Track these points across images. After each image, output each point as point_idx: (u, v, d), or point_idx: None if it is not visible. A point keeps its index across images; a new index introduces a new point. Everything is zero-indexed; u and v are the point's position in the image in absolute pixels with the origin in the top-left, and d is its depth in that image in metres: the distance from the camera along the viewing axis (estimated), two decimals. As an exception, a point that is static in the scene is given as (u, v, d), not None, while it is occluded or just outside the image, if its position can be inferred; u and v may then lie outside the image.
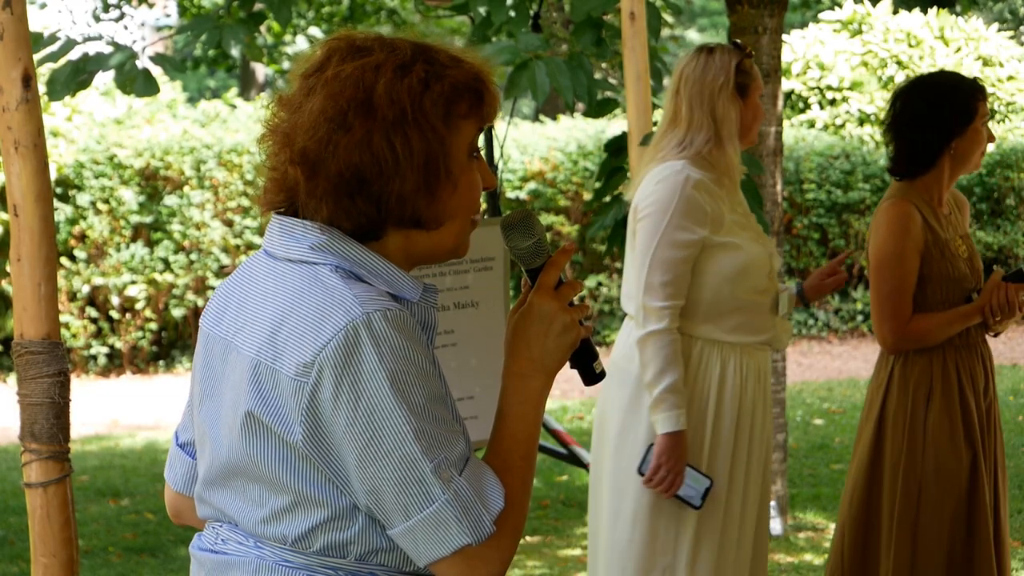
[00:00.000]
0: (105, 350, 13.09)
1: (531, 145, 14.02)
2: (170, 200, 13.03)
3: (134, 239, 13.09)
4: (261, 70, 21.14)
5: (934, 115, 4.02)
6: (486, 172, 1.93)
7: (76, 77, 5.23)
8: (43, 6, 17.45)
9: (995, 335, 4.12)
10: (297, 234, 1.86)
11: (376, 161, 1.81)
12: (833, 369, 12.49)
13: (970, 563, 3.98)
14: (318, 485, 1.82)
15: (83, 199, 12.87)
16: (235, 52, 5.64)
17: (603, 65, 16.66)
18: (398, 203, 1.83)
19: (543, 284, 1.92)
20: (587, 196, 13.41)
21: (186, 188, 13.09)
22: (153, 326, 13.08)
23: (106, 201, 12.93)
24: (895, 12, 17.19)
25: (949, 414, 4.00)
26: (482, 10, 5.28)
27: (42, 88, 6.67)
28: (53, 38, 5.20)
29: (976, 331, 4.07)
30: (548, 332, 1.90)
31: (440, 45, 1.89)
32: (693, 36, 31.76)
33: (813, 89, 16.10)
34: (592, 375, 1.99)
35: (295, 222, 1.87)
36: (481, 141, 7.62)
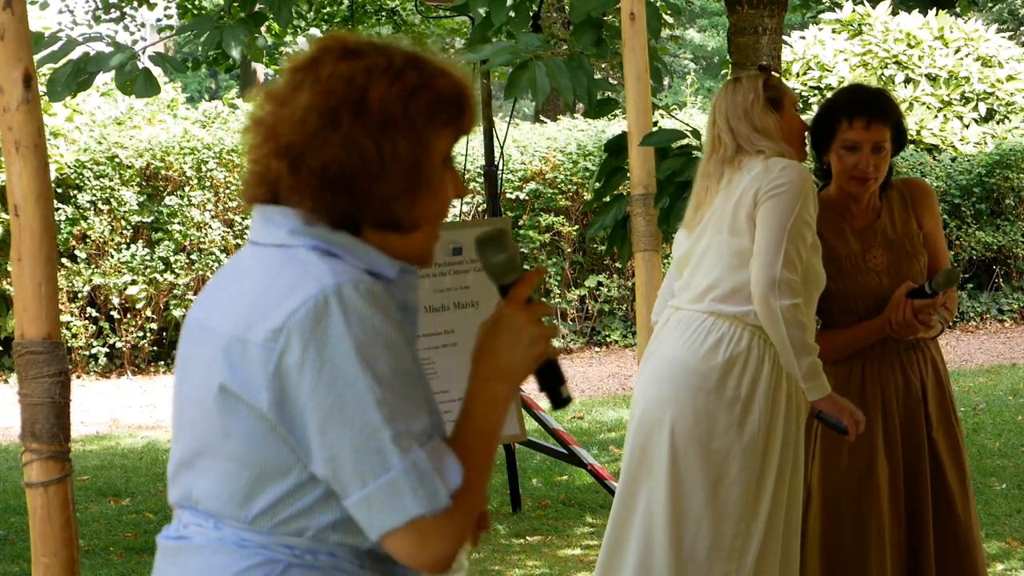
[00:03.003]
0: (105, 350, 13.09)
1: (531, 145, 14.02)
2: (171, 200, 13.03)
3: (134, 239, 13.09)
4: (262, 71, 21.14)
5: (812, 133, 4.15)
6: (458, 182, 1.98)
7: (77, 77, 5.23)
8: (44, 6, 17.44)
9: (931, 338, 4.14)
10: (277, 220, 1.91)
11: (361, 160, 1.86)
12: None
13: (859, 569, 4.03)
14: (281, 456, 1.85)
15: (84, 199, 12.88)
16: (235, 53, 5.64)
17: (603, 65, 16.65)
18: (379, 203, 1.88)
19: (515, 297, 1.96)
20: (587, 196, 13.41)
21: (187, 188, 13.10)
22: (153, 326, 13.09)
23: (107, 201, 12.94)
24: (895, 13, 17.20)
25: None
26: (482, 10, 5.28)
27: (42, 88, 6.67)
28: (54, 38, 5.20)
29: (896, 340, 4.10)
30: (516, 343, 1.93)
31: (429, 54, 1.94)
32: (693, 36, 31.77)
33: (813, 89, 16.11)
34: (559, 399, 2.01)
35: (275, 210, 1.92)
36: (481, 143, 7.63)
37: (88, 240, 12.95)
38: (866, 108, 4.05)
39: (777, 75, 4.04)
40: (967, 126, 15.78)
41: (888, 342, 4.09)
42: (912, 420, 4.09)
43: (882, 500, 4.02)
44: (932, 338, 4.15)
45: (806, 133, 4.05)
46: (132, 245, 13.00)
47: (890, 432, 4.07)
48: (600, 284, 13.84)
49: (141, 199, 13.04)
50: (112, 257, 12.92)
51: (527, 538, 6.79)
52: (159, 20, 18.49)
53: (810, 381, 3.77)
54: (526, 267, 2.02)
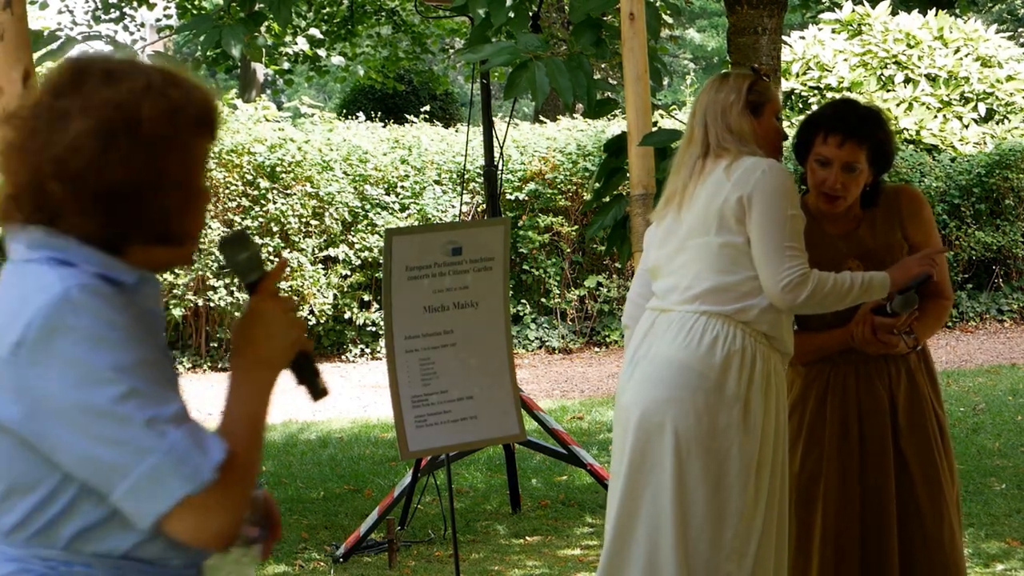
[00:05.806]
0: (105, 350, 13.11)
1: (531, 145, 14.02)
2: (170, 200, 13.05)
3: (134, 239, 13.10)
4: (261, 70, 21.15)
5: (795, 139, 4.18)
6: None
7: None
8: (44, 6, 17.45)
9: (910, 349, 4.14)
10: (18, 236, 1.95)
11: (141, 179, 1.92)
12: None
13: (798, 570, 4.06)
14: (30, 470, 1.88)
15: (83, 199, 12.88)
16: (235, 52, 5.64)
17: (603, 65, 16.66)
18: (159, 219, 1.95)
19: (265, 290, 2.04)
20: (587, 196, 13.42)
21: (186, 188, 13.11)
22: (153, 326, 13.09)
23: (106, 201, 12.95)
24: (894, 13, 17.21)
25: (798, 423, 4.11)
26: (482, 11, 5.28)
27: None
28: (53, 37, 5.20)
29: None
30: (272, 332, 1.99)
31: (178, 70, 2.01)
32: (693, 36, 31.79)
33: (813, 89, 16.11)
34: (317, 390, 2.08)
35: (17, 227, 1.95)
36: (478, 139, 7.57)
37: (88, 240, 12.96)
38: (843, 127, 4.06)
39: (766, 80, 4.03)
40: (967, 126, 15.79)
41: (856, 351, 4.11)
42: (877, 431, 4.08)
43: (827, 510, 4.04)
44: (903, 355, 4.13)
45: (783, 143, 4.07)
46: (132, 245, 13.01)
47: (849, 443, 4.08)
48: (600, 284, 13.84)
49: (141, 199, 13.05)
50: (112, 257, 12.94)
51: (527, 538, 6.79)
52: (159, 20, 18.50)
53: (873, 293, 3.89)
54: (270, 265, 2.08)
